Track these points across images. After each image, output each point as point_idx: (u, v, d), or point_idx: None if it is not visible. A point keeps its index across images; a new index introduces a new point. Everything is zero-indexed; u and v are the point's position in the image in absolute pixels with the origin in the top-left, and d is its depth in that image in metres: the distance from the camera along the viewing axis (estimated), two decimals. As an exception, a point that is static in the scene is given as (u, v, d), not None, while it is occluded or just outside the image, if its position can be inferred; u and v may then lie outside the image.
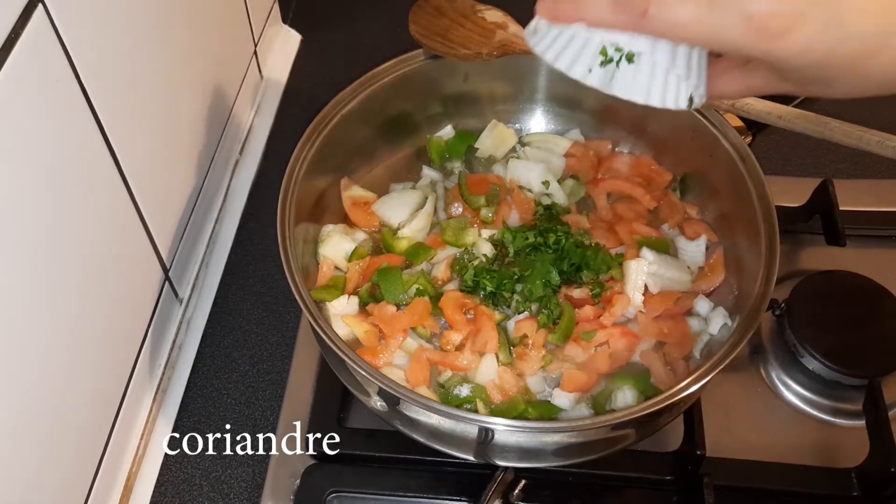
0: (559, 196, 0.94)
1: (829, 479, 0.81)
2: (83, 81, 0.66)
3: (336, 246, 0.88)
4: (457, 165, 0.98)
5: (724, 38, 0.50)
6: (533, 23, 0.56)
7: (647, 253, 0.86)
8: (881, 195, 1.02)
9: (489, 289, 0.84)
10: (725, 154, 0.84)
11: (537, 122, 1.00)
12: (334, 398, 0.85)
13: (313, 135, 0.83)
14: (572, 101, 0.98)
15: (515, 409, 0.78)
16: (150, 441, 0.86)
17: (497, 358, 0.81)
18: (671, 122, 0.91)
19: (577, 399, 0.79)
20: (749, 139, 0.86)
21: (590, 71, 0.53)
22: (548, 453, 0.74)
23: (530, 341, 0.82)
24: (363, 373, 0.68)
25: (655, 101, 0.53)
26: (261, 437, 0.86)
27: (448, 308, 0.83)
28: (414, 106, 0.95)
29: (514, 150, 0.99)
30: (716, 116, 0.85)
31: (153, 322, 0.86)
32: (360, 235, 0.91)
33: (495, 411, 0.77)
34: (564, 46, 0.53)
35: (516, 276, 0.84)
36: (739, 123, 0.86)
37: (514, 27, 0.81)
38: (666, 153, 0.94)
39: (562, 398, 0.79)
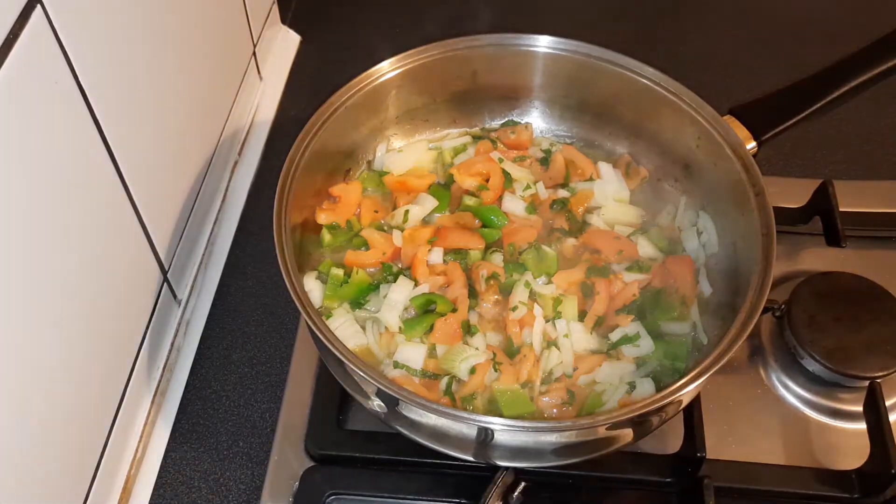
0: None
1: (830, 480, 0.81)
2: (81, 82, 0.66)
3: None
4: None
5: None
6: None
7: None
8: (881, 196, 1.02)
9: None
10: (729, 163, 0.84)
11: (536, 122, 1.00)
12: (333, 400, 0.85)
13: (308, 135, 0.83)
14: (574, 102, 0.97)
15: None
16: (148, 443, 0.86)
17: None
18: (675, 128, 0.90)
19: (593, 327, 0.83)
20: (755, 151, 0.86)
21: None
22: (547, 452, 0.74)
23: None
24: (361, 374, 0.68)
25: None
26: (259, 438, 0.86)
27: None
28: (413, 104, 0.95)
29: None
30: (722, 125, 0.85)
31: (151, 324, 0.86)
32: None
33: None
34: None
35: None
36: (746, 133, 0.86)
37: None
38: (667, 157, 0.94)
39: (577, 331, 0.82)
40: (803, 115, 0.88)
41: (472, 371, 0.79)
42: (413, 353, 0.81)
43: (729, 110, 0.88)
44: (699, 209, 0.91)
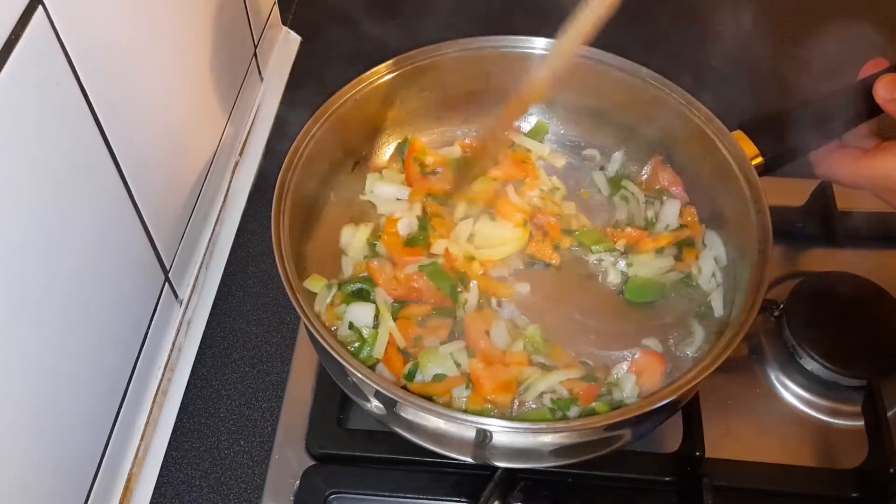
0: None
1: (828, 479, 0.81)
2: (83, 83, 0.66)
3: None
4: None
5: None
6: None
7: None
8: (880, 196, 1.02)
9: None
10: (734, 180, 0.82)
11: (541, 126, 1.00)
12: (334, 399, 0.85)
13: (308, 135, 0.83)
14: (585, 107, 0.97)
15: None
16: (149, 442, 0.86)
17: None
18: (684, 140, 0.89)
19: None
20: (761, 168, 0.82)
21: None
22: (545, 453, 0.74)
23: None
24: (360, 376, 0.68)
25: None
26: (260, 437, 0.86)
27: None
28: (414, 105, 0.96)
29: None
30: (729, 139, 0.83)
31: (153, 323, 0.87)
32: None
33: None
34: None
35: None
36: (753, 149, 0.83)
37: None
38: (675, 169, 0.93)
39: None
40: (814, 137, 0.83)
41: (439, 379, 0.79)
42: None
43: (739, 125, 0.85)
44: (704, 226, 0.89)
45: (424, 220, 0.89)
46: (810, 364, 0.87)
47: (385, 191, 0.93)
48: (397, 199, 0.92)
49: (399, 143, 0.96)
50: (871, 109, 0.77)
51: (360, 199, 0.93)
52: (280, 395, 0.88)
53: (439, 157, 0.95)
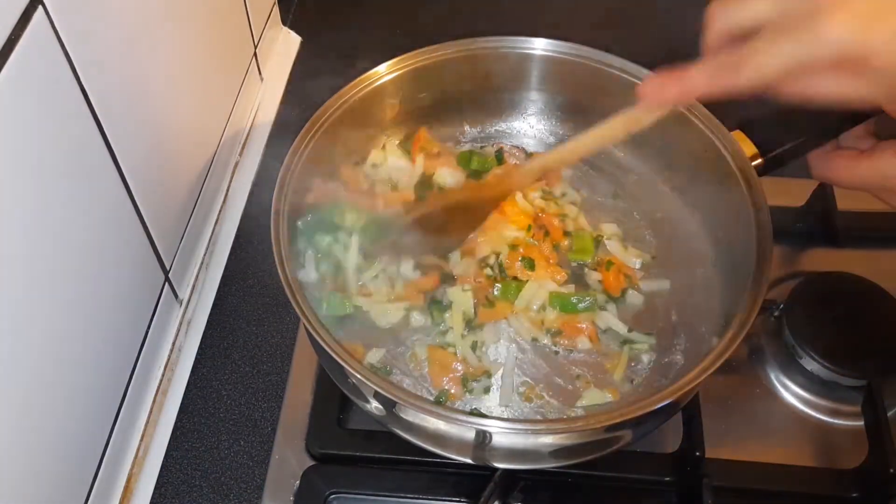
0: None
1: (828, 479, 0.81)
2: (83, 83, 0.66)
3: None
4: None
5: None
6: None
7: None
8: (880, 196, 1.02)
9: None
10: (733, 179, 0.82)
11: (539, 124, 1.01)
12: (334, 399, 0.85)
13: (308, 135, 0.83)
14: (580, 106, 0.96)
15: None
16: (150, 442, 0.86)
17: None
18: (683, 141, 0.89)
19: None
20: (761, 167, 0.82)
21: None
22: (545, 454, 0.74)
23: None
24: (360, 377, 0.68)
25: None
26: (260, 437, 0.86)
27: None
28: (414, 105, 0.95)
29: None
30: (728, 138, 0.83)
31: (153, 323, 0.87)
32: None
33: None
34: None
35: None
36: (753, 148, 0.82)
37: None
38: (674, 170, 0.93)
39: None
40: (814, 134, 0.81)
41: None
42: None
43: (738, 125, 0.85)
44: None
45: (426, 182, 0.92)
46: (810, 364, 0.87)
47: (389, 162, 0.94)
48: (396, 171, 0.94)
49: (401, 142, 0.96)
50: (871, 109, 0.77)
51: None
52: (280, 395, 0.88)
53: (445, 150, 0.95)
